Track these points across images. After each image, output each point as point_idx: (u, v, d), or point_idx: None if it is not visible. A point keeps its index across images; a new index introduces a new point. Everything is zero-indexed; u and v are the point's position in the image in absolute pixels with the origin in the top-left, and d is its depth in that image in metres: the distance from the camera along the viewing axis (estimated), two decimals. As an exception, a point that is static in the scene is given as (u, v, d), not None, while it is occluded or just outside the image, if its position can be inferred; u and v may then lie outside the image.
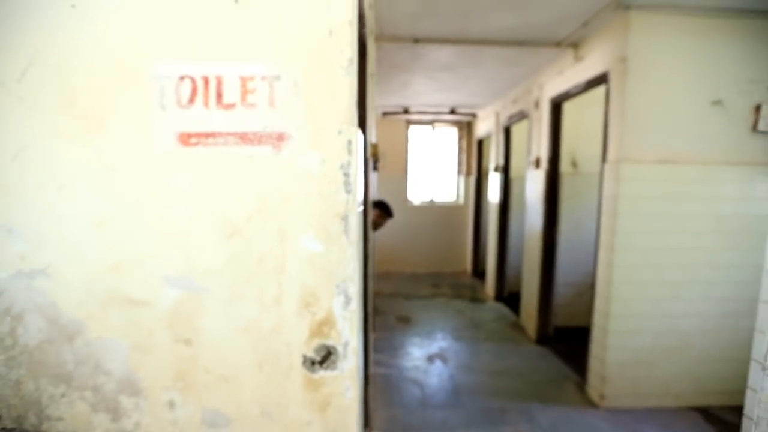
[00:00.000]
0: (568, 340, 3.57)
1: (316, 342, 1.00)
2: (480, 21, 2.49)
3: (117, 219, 0.98)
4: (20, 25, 0.94)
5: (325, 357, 1.00)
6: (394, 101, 5.24)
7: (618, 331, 2.50)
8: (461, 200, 6.99)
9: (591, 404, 2.63)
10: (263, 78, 0.92)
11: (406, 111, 5.79)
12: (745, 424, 1.22)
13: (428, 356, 3.31)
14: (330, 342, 0.99)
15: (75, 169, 0.97)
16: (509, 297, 5.08)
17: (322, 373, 1.01)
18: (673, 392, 2.64)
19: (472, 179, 6.64)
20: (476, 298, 5.27)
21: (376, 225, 3.50)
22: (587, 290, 3.04)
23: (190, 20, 0.93)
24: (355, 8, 0.95)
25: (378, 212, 3.49)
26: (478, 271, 6.43)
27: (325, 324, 0.99)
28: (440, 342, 3.64)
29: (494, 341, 3.68)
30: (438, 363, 3.18)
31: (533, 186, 3.95)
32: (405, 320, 4.28)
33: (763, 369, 1.15)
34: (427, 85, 4.21)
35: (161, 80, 0.93)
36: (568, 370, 3.06)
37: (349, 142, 0.94)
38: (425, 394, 2.71)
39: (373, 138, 2.90)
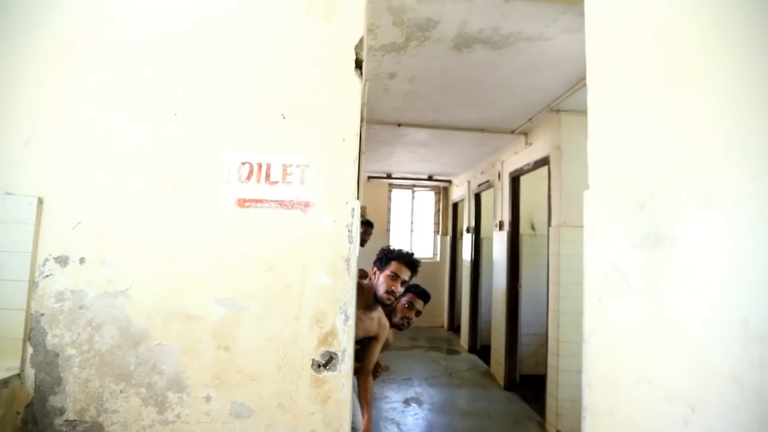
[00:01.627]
0: (533, 387, 3.84)
1: (323, 349, 1.35)
2: (448, 114, 3.13)
3: (185, 256, 1.36)
4: (137, 118, 1.39)
5: (329, 361, 1.35)
6: (378, 167, 5.86)
7: (567, 370, 2.84)
8: (438, 258, 7.45)
9: (549, 440, 2.88)
10: (298, 166, 1.38)
11: (389, 176, 6.43)
12: None
13: (405, 399, 3.51)
14: (332, 349, 1.35)
15: (161, 219, 1.36)
16: (482, 349, 5.34)
17: (325, 374, 1.35)
18: None
19: (448, 239, 7.17)
20: (452, 350, 5.50)
21: (363, 241, 3.86)
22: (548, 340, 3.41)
23: (253, 126, 1.40)
24: (359, 124, 1.45)
25: (362, 229, 3.85)
26: (454, 326, 6.70)
27: (330, 335, 1.36)
28: (416, 387, 3.84)
29: (466, 387, 3.92)
30: (414, 405, 3.38)
31: (498, 246, 4.46)
32: (384, 369, 4.47)
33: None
34: (407, 157, 4.84)
35: (228, 164, 1.38)
36: (531, 411, 3.31)
37: (353, 210, 1.39)
38: (402, 431, 2.90)
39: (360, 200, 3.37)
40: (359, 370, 1.92)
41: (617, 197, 0.95)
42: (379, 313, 1.89)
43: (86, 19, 1.42)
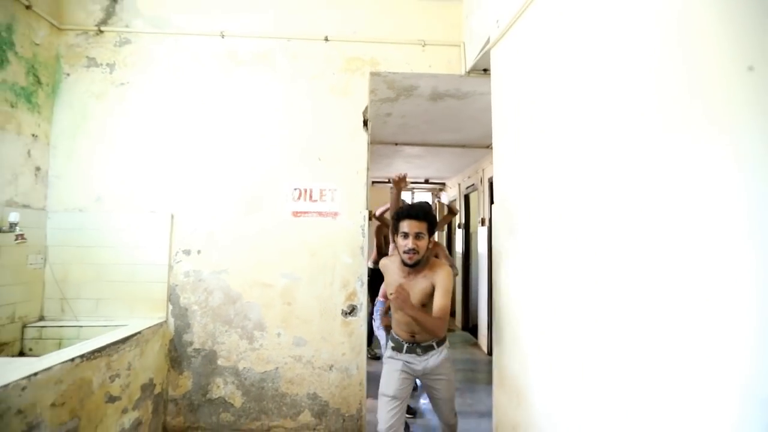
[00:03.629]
0: (511, 354, 4.61)
1: (348, 303, 2.15)
2: (433, 136, 3.90)
3: (262, 247, 2.16)
4: (231, 166, 2.19)
5: (351, 310, 2.14)
6: (381, 174, 6.64)
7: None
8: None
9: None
10: (329, 190, 2.17)
11: (389, 181, 7.21)
12: None
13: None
14: (354, 303, 2.15)
15: (246, 225, 2.16)
16: (473, 327, 6.13)
17: (350, 318, 2.15)
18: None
19: (444, 233, 7.94)
20: (448, 329, 6.28)
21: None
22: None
23: (300, 166, 2.19)
24: (366, 161, 2.24)
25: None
26: (452, 310, 7.48)
27: (352, 294, 2.15)
28: (416, 356, 4.63)
29: (458, 353, 4.69)
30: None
31: (481, 239, 5.23)
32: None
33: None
34: (405, 166, 5.62)
35: (286, 190, 2.17)
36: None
37: (364, 216, 2.18)
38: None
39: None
40: (434, 315, 1.59)
41: (503, 208, 1.73)
42: (426, 270, 1.67)
43: (208, 116, 2.22)
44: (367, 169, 2.24)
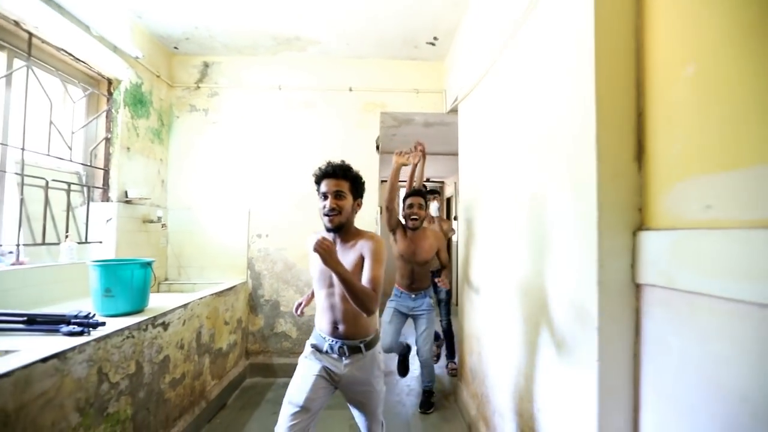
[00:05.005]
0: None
1: (366, 269, 3.18)
2: (431, 147, 4.88)
3: (307, 231, 3.19)
4: (283, 181, 3.21)
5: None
6: (386, 174, 7.64)
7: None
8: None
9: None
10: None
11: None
12: None
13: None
14: (370, 269, 3.18)
15: (297, 219, 3.18)
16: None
17: (367, 279, 3.18)
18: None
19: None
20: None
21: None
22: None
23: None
24: (377, 170, 3.24)
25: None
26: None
27: (369, 263, 3.18)
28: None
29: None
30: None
31: (473, 228, 6.21)
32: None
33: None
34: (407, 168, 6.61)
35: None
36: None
37: (376, 210, 3.18)
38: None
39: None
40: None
41: (463, 203, 2.72)
42: (354, 239, 1.44)
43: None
44: (379, 177, 3.24)
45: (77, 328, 1.42)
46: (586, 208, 1.08)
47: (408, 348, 2.79)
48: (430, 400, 2.61)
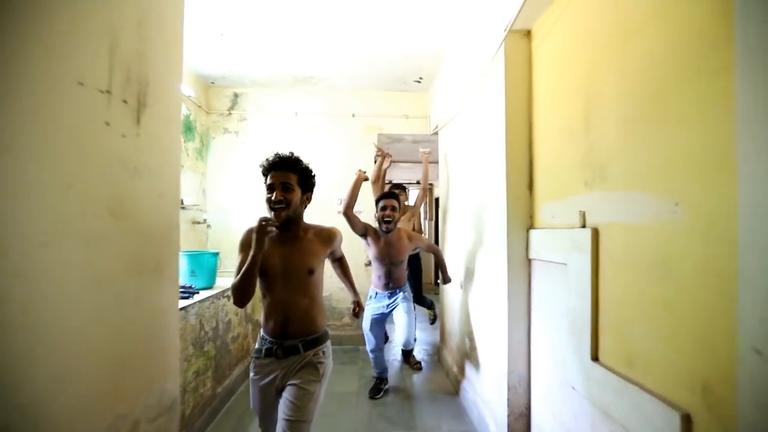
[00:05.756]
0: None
1: (367, 260, 3.96)
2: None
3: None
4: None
5: (369, 263, 3.96)
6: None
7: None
8: (425, 235, 10.04)
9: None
10: (356, 199, 3.97)
11: (390, 182, 8.98)
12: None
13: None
14: (369, 260, 3.97)
15: (314, 220, 3.95)
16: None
17: (368, 268, 3.96)
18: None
19: (432, 223, 9.76)
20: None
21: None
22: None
23: (342, 186, 3.97)
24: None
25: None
26: (436, 283, 9.32)
27: (368, 256, 3.97)
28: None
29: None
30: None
31: (457, 226, 7.03)
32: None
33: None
34: (403, 173, 7.39)
35: (334, 198, 3.95)
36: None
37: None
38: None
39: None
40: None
41: (443, 201, 3.51)
42: (309, 233, 1.55)
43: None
44: (377, 186, 4.02)
45: (186, 294, 2.18)
46: (502, 214, 1.88)
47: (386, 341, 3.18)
48: (414, 360, 3.36)
